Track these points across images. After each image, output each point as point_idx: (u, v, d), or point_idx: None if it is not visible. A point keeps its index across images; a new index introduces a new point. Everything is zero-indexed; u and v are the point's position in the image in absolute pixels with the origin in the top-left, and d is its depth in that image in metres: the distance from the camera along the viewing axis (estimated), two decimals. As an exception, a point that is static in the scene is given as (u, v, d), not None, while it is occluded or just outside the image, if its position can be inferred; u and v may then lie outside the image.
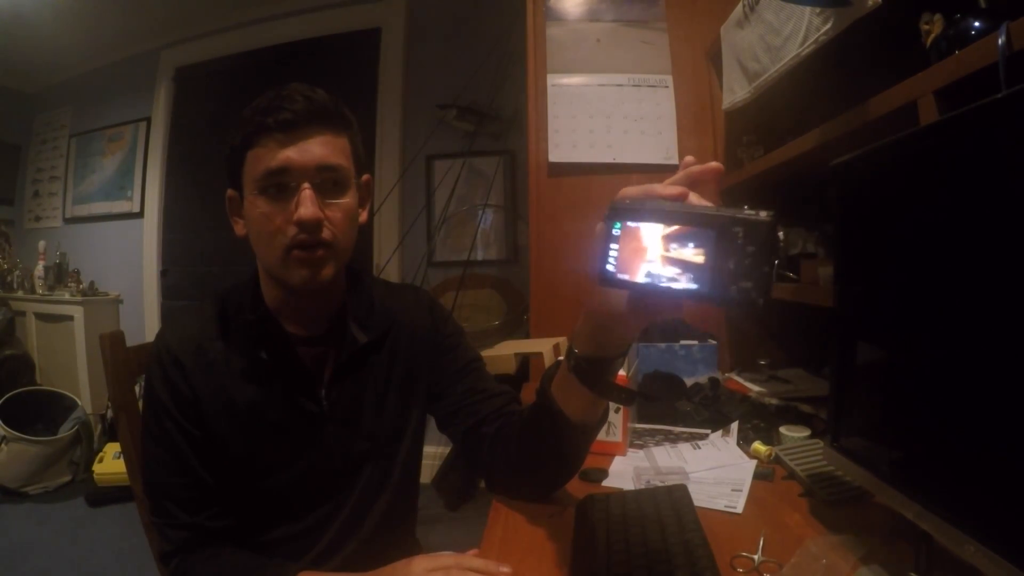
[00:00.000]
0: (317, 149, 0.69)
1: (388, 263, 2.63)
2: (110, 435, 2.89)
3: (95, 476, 2.54)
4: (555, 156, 1.70)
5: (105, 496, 2.46)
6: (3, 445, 2.53)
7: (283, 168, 0.68)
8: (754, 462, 0.91)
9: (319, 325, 0.79)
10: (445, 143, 2.74)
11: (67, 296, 3.29)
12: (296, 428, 0.77)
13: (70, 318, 3.24)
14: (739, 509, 0.75)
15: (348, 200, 0.73)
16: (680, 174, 0.54)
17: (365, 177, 0.80)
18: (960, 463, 0.51)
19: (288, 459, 0.77)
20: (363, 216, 0.80)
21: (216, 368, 0.75)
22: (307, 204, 0.67)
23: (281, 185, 0.69)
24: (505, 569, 0.61)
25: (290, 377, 0.77)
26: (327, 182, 0.70)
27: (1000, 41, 0.60)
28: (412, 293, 0.91)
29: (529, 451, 0.74)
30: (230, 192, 0.76)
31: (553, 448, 0.72)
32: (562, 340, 1.47)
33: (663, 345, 1.48)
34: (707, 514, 0.71)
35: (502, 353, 1.41)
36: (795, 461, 0.86)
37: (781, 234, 1.30)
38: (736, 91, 1.39)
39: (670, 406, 1.22)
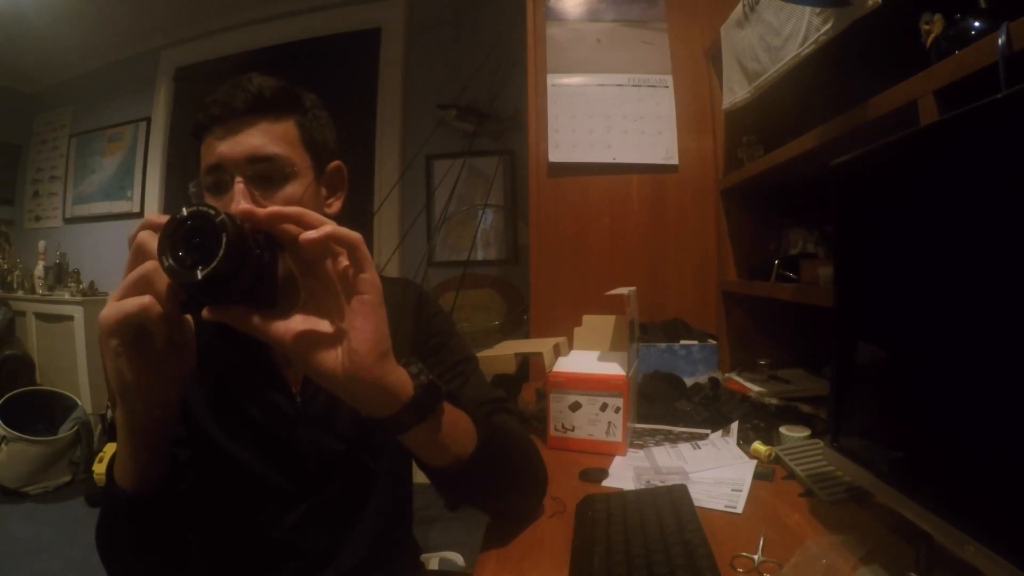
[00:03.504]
0: (250, 140, 0.67)
1: (388, 263, 2.64)
2: (110, 435, 2.88)
3: (95, 476, 2.53)
4: (555, 156, 1.70)
5: (105, 496, 2.46)
6: (3, 445, 2.53)
7: (217, 164, 0.67)
8: (754, 462, 0.91)
9: None
10: (445, 143, 2.74)
11: (67, 296, 3.29)
12: (266, 424, 0.73)
13: (70, 318, 3.23)
14: (739, 509, 0.75)
15: (292, 190, 0.68)
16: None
17: (333, 164, 0.76)
18: (960, 463, 0.51)
19: (253, 455, 0.73)
20: (333, 206, 0.76)
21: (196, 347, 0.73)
22: (237, 198, 0.64)
23: (218, 182, 0.67)
24: None
25: (262, 371, 0.74)
26: (263, 173, 0.67)
27: (1000, 41, 0.60)
28: (400, 288, 0.86)
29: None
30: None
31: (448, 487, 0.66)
32: (562, 340, 1.47)
33: (663, 345, 1.48)
34: (707, 514, 0.71)
35: (502, 353, 1.41)
36: (795, 461, 0.86)
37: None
38: (736, 91, 1.39)
39: (670, 406, 1.22)
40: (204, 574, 0.76)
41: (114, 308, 0.44)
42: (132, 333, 0.45)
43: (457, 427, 0.60)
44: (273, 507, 0.74)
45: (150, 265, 0.44)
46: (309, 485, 0.75)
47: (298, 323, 0.47)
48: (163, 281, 0.44)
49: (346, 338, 0.47)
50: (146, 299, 0.44)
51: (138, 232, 0.46)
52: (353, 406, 0.51)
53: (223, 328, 0.74)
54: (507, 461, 0.68)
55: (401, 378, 0.52)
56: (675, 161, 1.69)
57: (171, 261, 0.42)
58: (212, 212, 0.42)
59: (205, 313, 0.45)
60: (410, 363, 0.55)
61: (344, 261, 0.46)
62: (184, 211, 0.43)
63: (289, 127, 0.70)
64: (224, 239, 0.41)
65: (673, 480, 0.83)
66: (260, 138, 0.67)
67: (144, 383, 0.47)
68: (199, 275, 0.41)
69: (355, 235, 0.47)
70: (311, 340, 0.47)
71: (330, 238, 0.45)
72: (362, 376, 0.48)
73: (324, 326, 0.47)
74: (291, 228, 0.45)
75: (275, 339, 0.46)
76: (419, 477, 0.96)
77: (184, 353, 0.49)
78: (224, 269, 0.41)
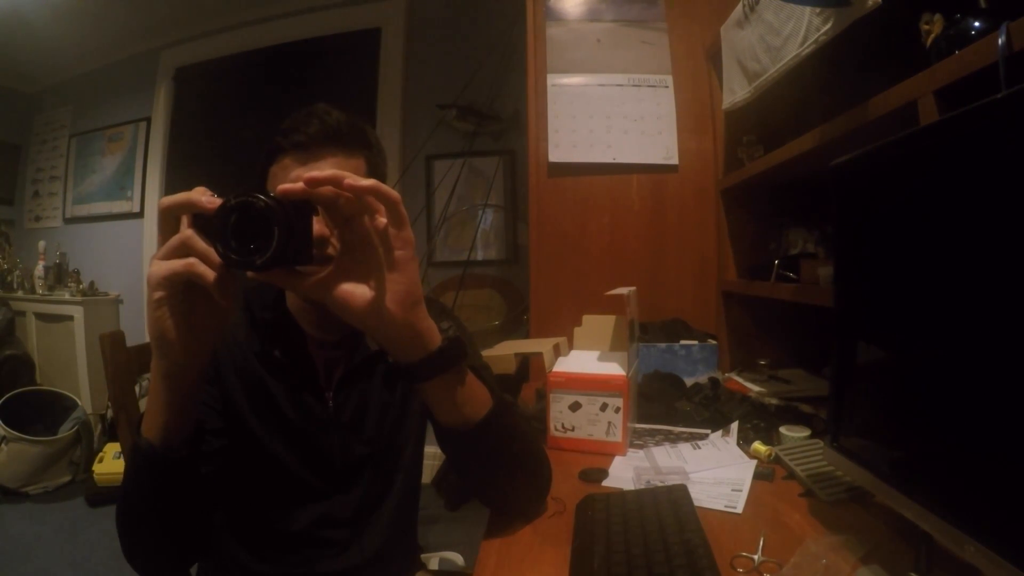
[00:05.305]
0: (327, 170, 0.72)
1: (388, 263, 2.63)
2: (110, 435, 2.89)
3: (95, 476, 2.54)
4: (555, 156, 1.70)
5: (105, 496, 2.46)
6: (3, 445, 2.53)
7: None
8: (754, 462, 0.91)
9: (334, 331, 0.81)
10: (445, 143, 2.74)
11: (67, 296, 3.29)
12: (301, 426, 0.79)
13: (70, 318, 3.23)
14: (739, 509, 0.75)
15: None
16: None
17: None
18: (960, 463, 0.51)
19: (288, 453, 0.79)
20: None
21: (238, 350, 0.79)
22: None
23: None
24: None
25: (300, 376, 0.80)
26: None
27: (1000, 41, 0.60)
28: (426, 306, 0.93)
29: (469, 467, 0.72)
30: None
31: (466, 460, 0.70)
32: (562, 340, 1.47)
33: (663, 345, 1.48)
34: (707, 514, 0.71)
35: (502, 353, 1.41)
36: (795, 461, 0.86)
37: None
38: (736, 91, 1.39)
39: (670, 406, 1.22)
40: (227, 549, 0.82)
41: (162, 265, 0.50)
42: (177, 288, 0.50)
43: (474, 391, 0.64)
44: (299, 500, 0.80)
45: (187, 232, 0.49)
46: (334, 484, 0.81)
47: (335, 275, 0.52)
48: (201, 246, 0.49)
49: (382, 287, 0.52)
50: (191, 260, 0.49)
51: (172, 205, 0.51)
52: (386, 349, 0.58)
53: (272, 335, 0.79)
54: (513, 440, 0.70)
55: (431, 327, 0.58)
56: (675, 161, 1.69)
57: (226, 250, 0.47)
58: (256, 200, 0.47)
59: (250, 274, 0.49)
60: (442, 320, 0.60)
61: (382, 219, 0.51)
62: (232, 200, 0.47)
63: (359, 163, 0.76)
64: (276, 231, 0.46)
65: (673, 480, 0.83)
66: (334, 169, 0.72)
67: (180, 330, 0.52)
68: (257, 262, 0.47)
69: (395, 193, 0.52)
70: (348, 289, 0.52)
71: (373, 191, 0.50)
72: (397, 319, 0.54)
73: (361, 277, 0.52)
74: (328, 190, 0.49)
75: (315, 291, 0.52)
76: (423, 478, 0.97)
77: (219, 310, 0.53)
78: (279, 251, 0.47)
